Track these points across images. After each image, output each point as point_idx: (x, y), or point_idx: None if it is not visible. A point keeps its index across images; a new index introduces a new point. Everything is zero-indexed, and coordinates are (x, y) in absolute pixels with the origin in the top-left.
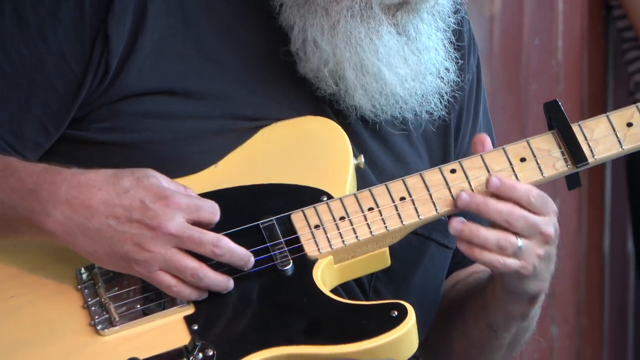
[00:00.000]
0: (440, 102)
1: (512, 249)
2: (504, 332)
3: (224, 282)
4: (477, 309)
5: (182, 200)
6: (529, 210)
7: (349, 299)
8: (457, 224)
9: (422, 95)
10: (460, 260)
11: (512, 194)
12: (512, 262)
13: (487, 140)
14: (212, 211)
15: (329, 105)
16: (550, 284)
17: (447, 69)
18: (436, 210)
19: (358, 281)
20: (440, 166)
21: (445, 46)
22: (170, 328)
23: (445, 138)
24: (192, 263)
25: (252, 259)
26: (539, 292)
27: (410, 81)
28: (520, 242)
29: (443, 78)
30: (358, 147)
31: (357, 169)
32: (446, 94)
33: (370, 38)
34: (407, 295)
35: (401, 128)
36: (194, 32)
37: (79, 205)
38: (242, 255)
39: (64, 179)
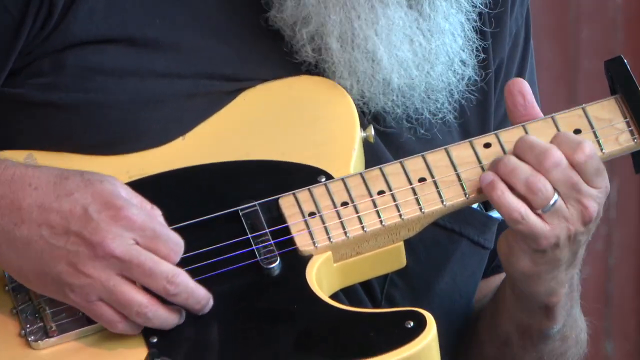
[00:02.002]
0: (449, 102)
1: (543, 199)
2: (521, 350)
3: (175, 321)
4: (489, 319)
5: (138, 217)
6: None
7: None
8: None
9: (426, 90)
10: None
11: (562, 140)
12: (535, 221)
13: (526, 86)
14: (173, 246)
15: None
16: (606, 290)
17: (463, 61)
18: (465, 194)
19: (367, 286)
20: (471, 139)
21: (465, 32)
22: (123, 340)
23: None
24: (139, 297)
25: (211, 302)
26: (552, 297)
27: (413, 69)
28: (556, 196)
29: (457, 72)
30: None
31: (366, 143)
32: (458, 93)
33: (372, 4)
34: (430, 306)
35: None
36: None
37: (6, 206)
38: (201, 297)
39: None
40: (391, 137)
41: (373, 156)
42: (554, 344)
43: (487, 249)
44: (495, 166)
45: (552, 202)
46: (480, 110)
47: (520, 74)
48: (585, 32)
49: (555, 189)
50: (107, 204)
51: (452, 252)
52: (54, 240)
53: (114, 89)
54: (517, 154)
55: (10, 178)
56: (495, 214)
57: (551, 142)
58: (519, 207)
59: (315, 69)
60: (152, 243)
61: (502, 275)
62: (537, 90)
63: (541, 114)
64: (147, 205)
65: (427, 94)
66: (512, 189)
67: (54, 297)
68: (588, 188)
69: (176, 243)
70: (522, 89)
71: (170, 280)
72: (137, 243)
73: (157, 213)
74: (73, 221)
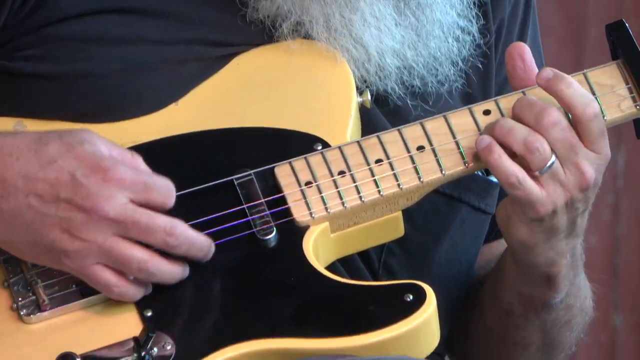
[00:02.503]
0: (454, 72)
1: (541, 159)
2: (523, 320)
3: (180, 273)
4: (491, 288)
5: (126, 175)
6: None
7: (351, 277)
8: None
9: (426, 65)
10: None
11: (563, 92)
12: (532, 186)
13: (526, 50)
14: (166, 192)
15: None
16: (614, 261)
17: (462, 28)
18: (464, 163)
19: (364, 256)
20: (470, 106)
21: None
22: (117, 314)
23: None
24: (139, 253)
25: (213, 247)
26: (553, 267)
27: (406, 49)
28: (553, 157)
29: (456, 41)
30: None
31: (363, 109)
32: (462, 60)
33: None
34: (429, 275)
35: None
36: None
37: None
38: (203, 244)
39: None
40: (397, 114)
41: (369, 122)
42: (558, 313)
43: (488, 214)
44: (492, 128)
45: (549, 162)
46: (483, 75)
47: (522, 37)
48: None
49: (553, 151)
50: (94, 167)
51: (452, 219)
52: (44, 209)
53: (105, 58)
54: (515, 114)
55: None
56: (495, 178)
57: (561, 94)
58: (516, 171)
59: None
60: (145, 195)
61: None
62: (542, 55)
63: None
64: (127, 154)
65: (427, 70)
66: (510, 153)
67: (49, 266)
68: (587, 152)
69: (167, 188)
70: (522, 53)
71: (169, 232)
72: (131, 200)
73: (139, 160)
74: (62, 188)
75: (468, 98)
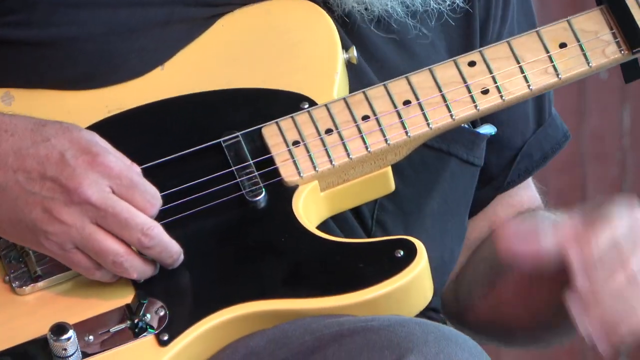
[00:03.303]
0: None
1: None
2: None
3: (149, 274)
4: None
5: (115, 165)
6: None
7: (345, 235)
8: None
9: None
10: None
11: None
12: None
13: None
14: (150, 199)
15: None
16: None
17: None
18: (451, 116)
19: (356, 212)
20: (454, 58)
21: None
22: (109, 283)
23: (468, 29)
24: (115, 246)
25: (182, 257)
26: None
27: None
28: None
29: None
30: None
31: (349, 65)
32: None
33: None
34: (422, 229)
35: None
36: None
37: None
38: (174, 251)
39: None
40: (400, 40)
41: (357, 78)
42: None
43: (477, 166)
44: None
45: None
46: (465, 19)
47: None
48: None
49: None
50: (84, 150)
51: (442, 171)
52: (29, 186)
53: (87, 21)
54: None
55: None
56: (483, 130)
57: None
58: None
59: None
60: (128, 192)
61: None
62: (531, 4)
63: None
64: (127, 160)
65: None
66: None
67: (29, 246)
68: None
69: (153, 196)
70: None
71: (145, 233)
72: (113, 191)
73: (137, 169)
74: (49, 166)
75: (468, 17)
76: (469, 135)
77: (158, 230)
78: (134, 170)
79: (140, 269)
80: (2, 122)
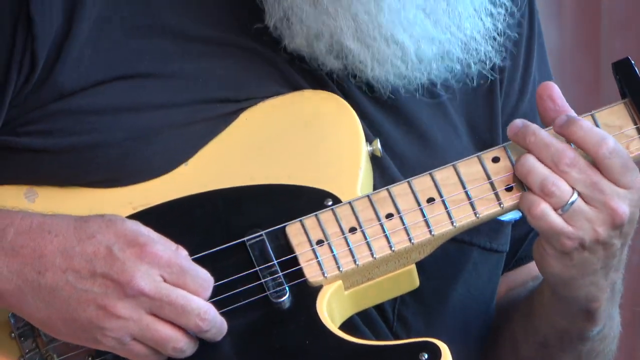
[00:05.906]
0: (492, 47)
1: (558, 200)
2: (559, 352)
3: (196, 347)
4: (524, 322)
5: (163, 253)
6: (598, 170)
7: (367, 328)
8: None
9: (464, 46)
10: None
11: (576, 135)
12: (555, 218)
13: (555, 91)
14: (202, 283)
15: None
16: None
17: (492, 2)
18: (475, 214)
19: (378, 306)
20: (479, 154)
21: None
22: None
23: (490, 102)
24: (173, 334)
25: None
26: (593, 302)
27: (440, 34)
28: (574, 196)
29: (489, 16)
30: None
31: (373, 157)
32: (495, 39)
33: None
34: (444, 322)
35: (429, 95)
36: (143, 3)
37: (28, 255)
38: (225, 329)
39: (10, 223)
40: (442, 106)
41: (381, 171)
42: (593, 344)
43: (501, 252)
44: (515, 167)
45: (569, 202)
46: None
47: (527, 59)
48: (618, 42)
49: (575, 189)
50: (131, 242)
51: (464, 263)
52: (81, 285)
53: (110, 127)
54: (533, 152)
55: (29, 227)
56: (505, 217)
57: (574, 137)
58: (539, 203)
59: (345, 71)
60: (180, 279)
61: (527, 268)
62: (550, 69)
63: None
64: (172, 245)
65: (466, 50)
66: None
67: (86, 345)
68: (615, 188)
69: (205, 279)
70: (552, 94)
71: (203, 318)
72: (165, 280)
73: (184, 253)
74: (98, 263)
75: (502, 71)
76: (492, 224)
77: (214, 313)
78: (182, 255)
79: (193, 347)
80: (44, 224)
